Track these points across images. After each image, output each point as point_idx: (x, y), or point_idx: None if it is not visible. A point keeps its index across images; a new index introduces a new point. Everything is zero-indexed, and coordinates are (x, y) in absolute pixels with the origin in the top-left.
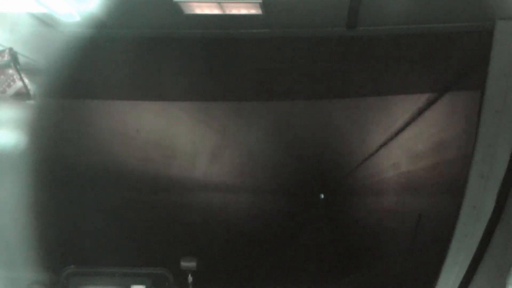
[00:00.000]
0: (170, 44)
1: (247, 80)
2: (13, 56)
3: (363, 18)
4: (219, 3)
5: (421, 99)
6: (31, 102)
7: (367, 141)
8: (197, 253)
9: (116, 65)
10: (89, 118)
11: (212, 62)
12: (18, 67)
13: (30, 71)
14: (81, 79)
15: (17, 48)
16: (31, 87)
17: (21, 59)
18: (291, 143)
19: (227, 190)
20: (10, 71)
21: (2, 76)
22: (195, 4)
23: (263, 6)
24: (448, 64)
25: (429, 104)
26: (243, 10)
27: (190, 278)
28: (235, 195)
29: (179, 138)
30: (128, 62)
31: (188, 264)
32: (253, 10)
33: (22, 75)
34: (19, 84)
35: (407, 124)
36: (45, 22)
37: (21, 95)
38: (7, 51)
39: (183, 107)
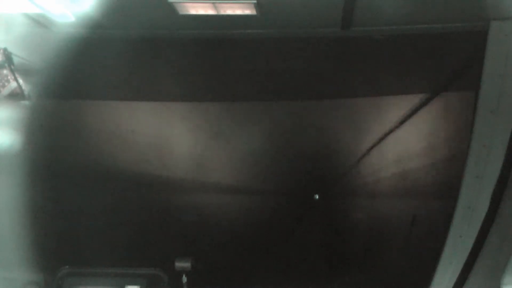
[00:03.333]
0: (165, 45)
1: (242, 80)
2: (7, 56)
3: (357, 19)
4: (213, 3)
5: (416, 99)
6: (26, 102)
7: (360, 141)
8: (191, 254)
9: (111, 66)
10: (83, 119)
11: (207, 63)
12: (12, 67)
13: (24, 71)
14: (76, 80)
15: (11, 49)
16: (25, 87)
17: (16, 60)
18: (285, 144)
19: (222, 190)
20: (4, 71)
21: None
22: (189, 4)
23: (258, 6)
24: (443, 64)
25: (424, 105)
26: (238, 11)
27: (184, 279)
28: (229, 195)
29: (174, 138)
30: (122, 63)
31: (182, 264)
32: (248, 11)
33: (17, 75)
34: (13, 84)
35: (402, 125)
36: (40, 22)
37: (15, 96)
38: (1, 51)
39: (177, 107)
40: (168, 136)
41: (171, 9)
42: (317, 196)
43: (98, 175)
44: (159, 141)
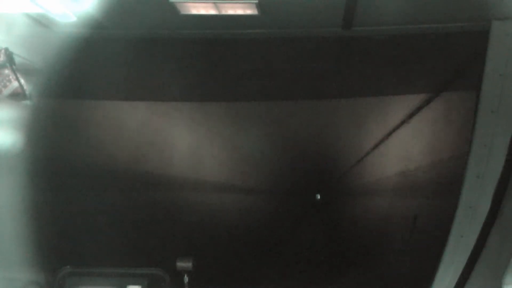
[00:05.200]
0: (166, 45)
1: (243, 80)
2: (9, 56)
3: (359, 19)
4: (215, 3)
5: (417, 99)
6: (27, 102)
7: (362, 141)
8: (192, 253)
9: (112, 66)
10: (84, 119)
11: (208, 63)
12: (14, 67)
13: (26, 71)
14: (77, 80)
15: (12, 49)
16: (27, 87)
17: (17, 60)
18: (287, 144)
19: (223, 190)
20: (6, 71)
21: None
22: (191, 4)
23: (259, 6)
24: (444, 64)
25: (425, 104)
26: (239, 11)
27: (186, 278)
28: (230, 195)
29: (175, 138)
30: (123, 63)
31: (184, 264)
32: (249, 11)
33: (18, 75)
34: (15, 84)
35: (403, 125)
36: (41, 22)
37: (17, 96)
38: (2, 51)
39: (179, 107)
40: (169, 136)
41: (173, 9)
42: (318, 196)
43: (99, 175)
44: (160, 141)
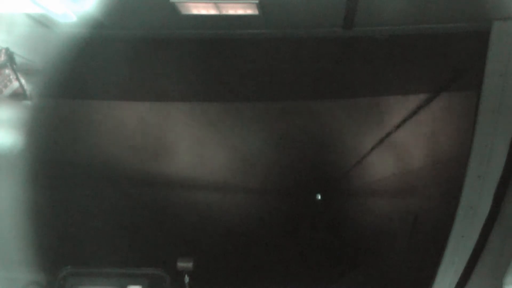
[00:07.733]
0: (167, 45)
1: (244, 80)
2: (10, 56)
3: (359, 19)
4: (215, 3)
5: (418, 99)
6: (28, 102)
7: (363, 141)
8: (193, 254)
9: (113, 66)
10: (85, 119)
11: (209, 63)
12: (14, 67)
13: (26, 71)
14: (78, 80)
15: (13, 49)
16: (27, 87)
17: (18, 60)
18: (287, 144)
19: (224, 190)
20: (7, 71)
21: None
22: (191, 4)
23: (260, 6)
24: (445, 64)
25: (426, 104)
26: (240, 11)
27: (186, 279)
28: (231, 195)
29: (175, 138)
30: (124, 63)
31: (185, 264)
32: (250, 11)
33: (19, 75)
34: (15, 84)
35: (404, 124)
36: (42, 22)
37: (17, 96)
38: (3, 51)
39: (180, 107)
40: (169, 136)
41: (173, 9)
42: (319, 196)
43: (100, 175)
44: (161, 141)
